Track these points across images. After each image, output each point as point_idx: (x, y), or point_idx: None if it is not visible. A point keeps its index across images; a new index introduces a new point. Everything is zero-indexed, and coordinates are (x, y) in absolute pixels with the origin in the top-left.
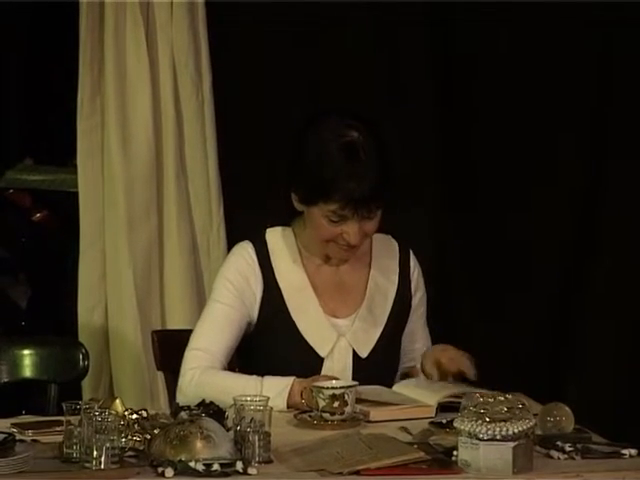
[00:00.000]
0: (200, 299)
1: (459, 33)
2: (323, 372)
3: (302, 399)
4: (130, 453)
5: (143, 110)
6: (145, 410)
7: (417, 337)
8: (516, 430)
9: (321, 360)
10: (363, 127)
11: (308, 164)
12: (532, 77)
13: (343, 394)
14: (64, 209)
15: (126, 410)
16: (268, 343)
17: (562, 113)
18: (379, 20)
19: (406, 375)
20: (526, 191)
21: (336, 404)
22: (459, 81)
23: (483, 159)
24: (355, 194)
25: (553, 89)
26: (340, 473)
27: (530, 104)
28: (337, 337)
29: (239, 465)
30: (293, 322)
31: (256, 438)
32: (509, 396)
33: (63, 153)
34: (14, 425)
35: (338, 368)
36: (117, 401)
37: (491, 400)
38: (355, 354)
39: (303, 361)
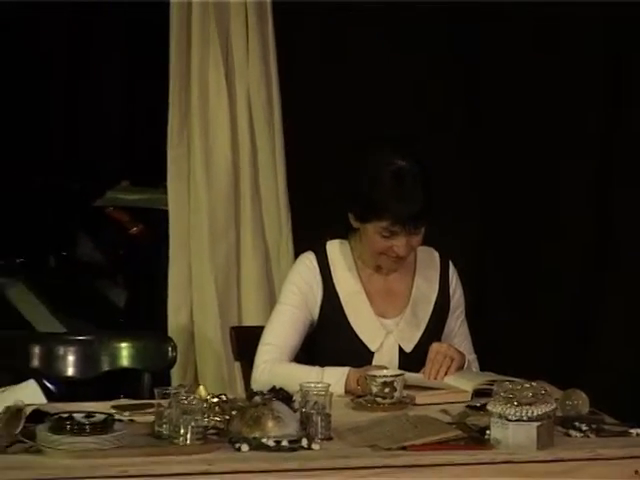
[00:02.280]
0: (271, 300)
1: (485, 52)
2: (374, 364)
3: (357, 386)
4: (212, 431)
5: (223, 141)
6: (224, 395)
7: (455, 334)
8: (540, 412)
9: (372, 354)
10: (409, 156)
11: (363, 188)
12: (555, 97)
13: (393, 381)
14: (156, 224)
15: (208, 395)
16: (327, 339)
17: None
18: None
19: None
20: (549, 202)
21: (387, 390)
22: (487, 99)
23: (510, 174)
24: (403, 213)
25: (573, 108)
26: (390, 448)
27: (555, 118)
28: (385, 334)
29: (304, 441)
30: (348, 321)
31: (319, 419)
32: (534, 383)
33: (155, 176)
34: (114, 407)
35: (386, 361)
36: (201, 387)
37: (518, 387)
38: (401, 349)
39: (356, 355)
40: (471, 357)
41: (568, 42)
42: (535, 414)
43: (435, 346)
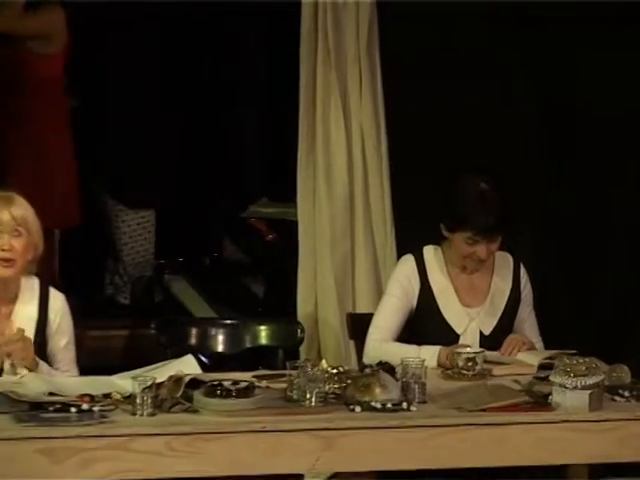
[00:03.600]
0: (379, 292)
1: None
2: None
3: (447, 360)
4: (331, 396)
5: (341, 166)
6: (341, 367)
7: (525, 321)
8: (591, 382)
9: (458, 336)
10: (491, 180)
11: (452, 205)
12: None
13: (475, 357)
14: (288, 232)
15: (329, 367)
16: (423, 324)
17: None
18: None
19: None
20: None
21: (470, 364)
22: (560, 120)
23: (577, 194)
24: (484, 226)
25: None
26: (472, 410)
27: (628, 130)
28: (469, 321)
29: (404, 404)
30: (440, 310)
31: (416, 386)
32: (587, 359)
33: (288, 193)
34: (254, 376)
35: (469, 342)
36: (323, 361)
37: (574, 362)
38: (481, 333)
39: (446, 336)
40: (537, 339)
41: None
42: (587, 383)
43: (511, 334)
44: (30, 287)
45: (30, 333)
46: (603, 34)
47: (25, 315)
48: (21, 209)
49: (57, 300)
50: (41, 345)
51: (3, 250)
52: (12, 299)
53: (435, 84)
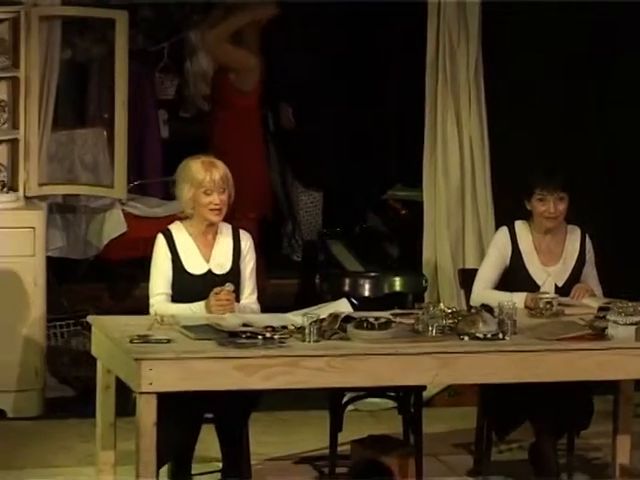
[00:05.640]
0: (481, 253)
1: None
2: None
3: (531, 303)
4: (447, 328)
5: (454, 163)
6: (454, 307)
7: (588, 276)
8: (637, 319)
9: (538, 287)
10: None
11: (527, 181)
12: None
13: (552, 301)
14: (416, 210)
15: (445, 307)
16: (513, 277)
17: None
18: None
19: None
20: None
21: (548, 306)
22: (616, 103)
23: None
24: (546, 183)
25: None
26: (550, 339)
27: None
28: (547, 276)
29: (500, 335)
30: (525, 268)
31: (509, 322)
32: (634, 303)
33: (416, 181)
34: (391, 314)
35: (547, 290)
36: (441, 303)
37: (625, 305)
38: (556, 285)
39: (529, 287)
40: (597, 288)
41: None
42: (635, 320)
43: (577, 284)
44: (226, 227)
45: (229, 258)
46: None
47: (225, 242)
48: (222, 169)
49: (246, 236)
50: (235, 270)
51: (216, 204)
52: (215, 233)
53: (527, 94)
